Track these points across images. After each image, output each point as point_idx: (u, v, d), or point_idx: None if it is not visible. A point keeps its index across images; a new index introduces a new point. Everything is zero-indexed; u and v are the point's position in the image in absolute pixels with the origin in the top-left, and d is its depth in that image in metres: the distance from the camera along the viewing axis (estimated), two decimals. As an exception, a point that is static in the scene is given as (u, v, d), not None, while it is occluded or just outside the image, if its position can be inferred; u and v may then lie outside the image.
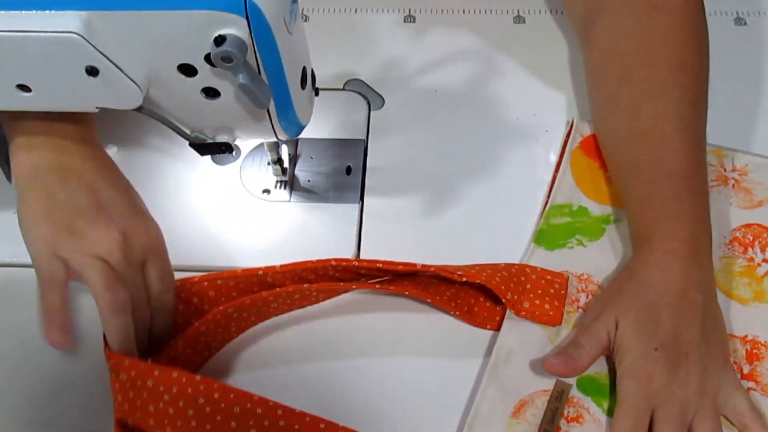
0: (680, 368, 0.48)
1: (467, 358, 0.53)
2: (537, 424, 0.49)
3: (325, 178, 0.62)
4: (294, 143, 0.63)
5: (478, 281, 0.52)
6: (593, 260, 0.56)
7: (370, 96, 0.67)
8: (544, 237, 0.58)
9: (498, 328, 0.53)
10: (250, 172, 0.62)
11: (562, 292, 0.54)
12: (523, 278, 0.54)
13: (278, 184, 0.61)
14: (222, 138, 0.51)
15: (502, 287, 0.52)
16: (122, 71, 0.42)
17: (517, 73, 0.67)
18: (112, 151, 0.63)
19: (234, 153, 0.62)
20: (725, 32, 0.70)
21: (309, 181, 0.61)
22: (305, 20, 0.73)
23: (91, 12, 0.40)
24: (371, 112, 0.66)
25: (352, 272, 0.54)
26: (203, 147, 0.52)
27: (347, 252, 0.57)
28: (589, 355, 0.50)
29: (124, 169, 0.62)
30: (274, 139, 0.52)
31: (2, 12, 0.40)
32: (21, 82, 0.43)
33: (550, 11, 0.73)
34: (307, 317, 0.55)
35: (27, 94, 0.44)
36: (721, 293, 0.53)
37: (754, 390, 0.50)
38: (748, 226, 0.58)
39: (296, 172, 0.62)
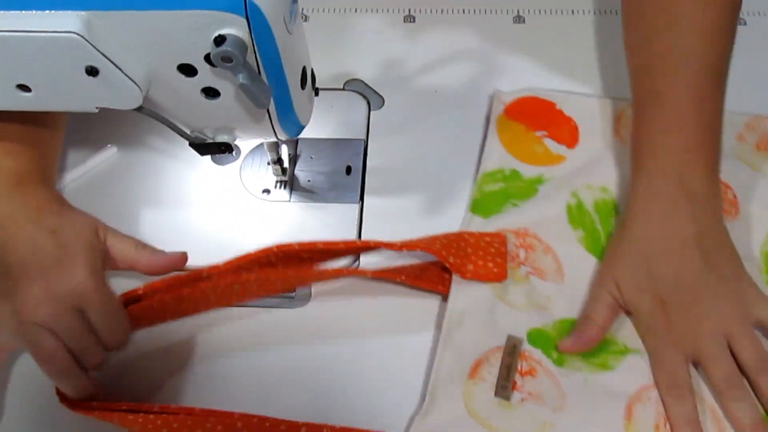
0: (692, 308, 0.48)
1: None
2: (493, 383, 0.50)
3: (325, 178, 0.62)
4: (294, 143, 0.63)
5: (418, 248, 0.53)
6: (528, 215, 0.58)
7: (370, 96, 0.67)
8: (480, 206, 0.59)
9: (447, 291, 0.54)
10: (250, 172, 0.62)
11: (503, 249, 0.55)
12: (463, 243, 0.55)
13: (278, 184, 0.61)
14: (222, 138, 0.51)
15: (443, 252, 0.53)
16: (122, 71, 0.42)
17: (517, 73, 0.67)
18: (111, 152, 0.63)
19: (234, 153, 0.62)
20: (725, 32, 0.70)
21: (309, 181, 0.61)
22: (305, 20, 0.73)
23: (91, 12, 0.40)
24: (371, 112, 0.66)
25: (293, 257, 0.54)
26: (203, 147, 0.52)
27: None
28: (597, 325, 0.51)
29: (125, 170, 0.62)
30: (274, 139, 0.52)
31: (2, 12, 0.40)
32: (21, 82, 0.43)
33: (550, 11, 0.73)
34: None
35: (27, 94, 0.44)
36: None
37: None
38: None
39: (296, 172, 0.62)
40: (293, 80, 0.46)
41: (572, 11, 0.72)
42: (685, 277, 0.49)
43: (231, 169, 0.62)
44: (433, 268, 0.55)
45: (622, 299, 0.51)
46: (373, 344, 0.54)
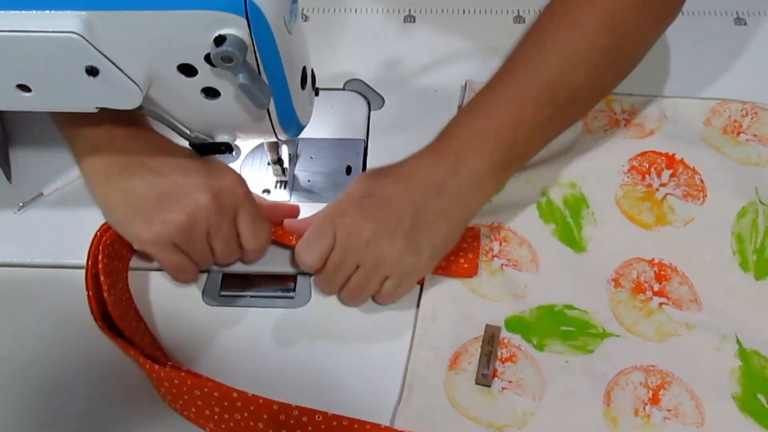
0: (371, 219, 0.51)
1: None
2: (474, 372, 0.51)
3: (325, 177, 0.61)
4: (294, 143, 0.63)
5: None
6: (501, 210, 0.59)
7: (370, 96, 0.67)
8: None
9: (420, 284, 0.55)
10: (250, 172, 0.62)
11: (475, 244, 0.56)
12: None
13: (278, 184, 0.61)
14: (222, 138, 0.51)
15: None
16: (122, 71, 0.42)
17: (517, 73, 0.67)
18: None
19: (234, 153, 0.62)
20: (725, 32, 0.70)
21: (309, 181, 0.61)
22: (305, 20, 0.73)
23: (91, 12, 0.40)
24: (371, 112, 0.66)
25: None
26: (203, 147, 0.52)
27: (347, 252, 0.57)
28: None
29: (124, 169, 0.62)
30: (274, 139, 0.52)
31: (2, 12, 0.40)
32: (21, 82, 0.43)
33: (550, 11, 0.72)
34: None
35: (27, 94, 0.44)
36: (625, 218, 0.58)
37: (666, 304, 0.54)
38: (643, 154, 0.61)
39: (296, 172, 0.62)
40: (293, 80, 0.46)
41: (572, 11, 0.72)
42: (393, 201, 0.51)
43: (231, 169, 0.62)
44: None
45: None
46: (373, 343, 0.54)
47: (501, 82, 0.53)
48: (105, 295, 0.52)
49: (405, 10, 0.73)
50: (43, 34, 0.40)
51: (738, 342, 0.52)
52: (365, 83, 0.68)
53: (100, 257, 0.53)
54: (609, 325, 0.54)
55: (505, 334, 0.53)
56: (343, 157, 0.63)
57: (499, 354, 0.52)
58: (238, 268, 0.57)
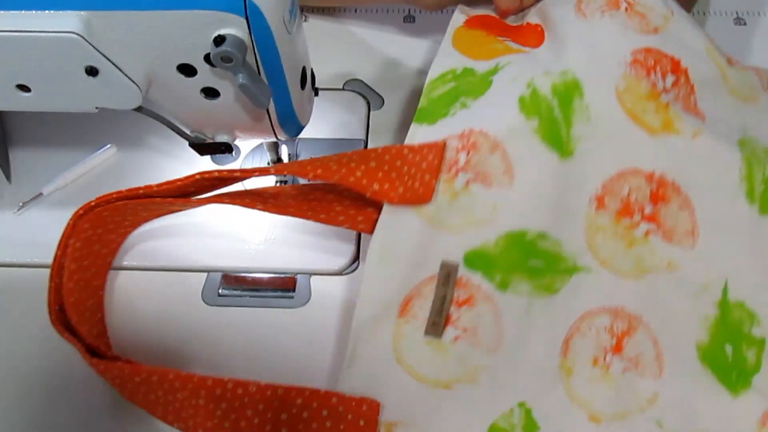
0: None
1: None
2: (426, 318, 0.45)
3: (325, 178, 0.61)
4: (294, 143, 0.63)
5: (333, 180, 0.47)
6: (477, 114, 0.48)
7: (369, 96, 0.67)
8: (425, 114, 0.50)
9: (368, 230, 0.48)
10: (249, 172, 0.62)
11: (436, 162, 0.47)
12: (399, 162, 0.48)
13: (278, 184, 0.61)
14: (222, 138, 0.51)
15: (364, 181, 0.47)
16: (122, 71, 0.42)
17: (516, 73, 0.67)
18: (111, 152, 0.63)
19: (234, 153, 0.62)
20: (725, 32, 0.70)
21: (309, 181, 0.61)
22: (305, 20, 0.73)
23: (91, 12, 0.40)
24: (371, 112, 0.66)
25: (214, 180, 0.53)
26: (203, 147, 0.52)
27: (348, 252, 0.57)
28: None
29: (124, 170, 0.62)
30: (274, 139, 0.52)
31: (2, 12, 0.40)
32: (21, 82, 0.43)
33: (550, 11, 0.72)
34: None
35: (27, 94, 0.44)
36: (626, 116, 0.47)
37: (654, 233, 0.47)
38: (648, 50, 0.50)
39: (296, 172, 0.62)
40: (293, 80, 0.46)
41: (572, 11, 0.72)
42: None
43: (231, 169, 0.62)
44: (349, 205, 0.51)
45: None
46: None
47: None
48: (64, 279, 0.49)
49: (405, 10, 0.73)
50: (43, 34, 0.40)
51: (724, 290, 0.46)
52: (365, 83, 0.68)
53: (71, 241, 0.50)
54: (581, 258, 0.46)
55: (462, 271, 0.45)
56: (342, 157, 0.63)
57: (456, 296, 0.45)
58: (238, 267, 0.57)
